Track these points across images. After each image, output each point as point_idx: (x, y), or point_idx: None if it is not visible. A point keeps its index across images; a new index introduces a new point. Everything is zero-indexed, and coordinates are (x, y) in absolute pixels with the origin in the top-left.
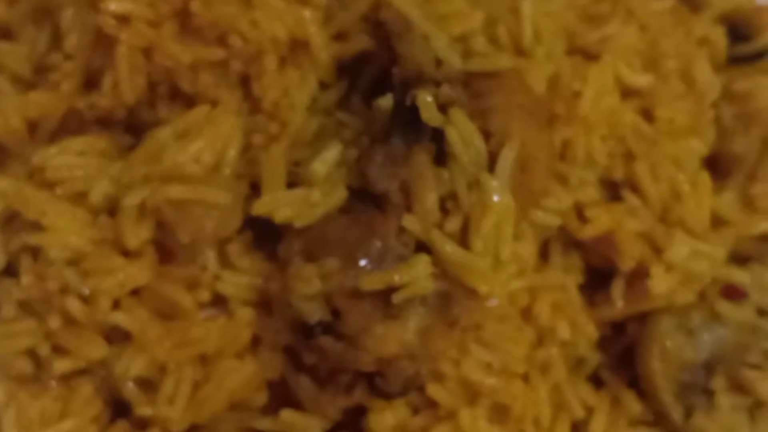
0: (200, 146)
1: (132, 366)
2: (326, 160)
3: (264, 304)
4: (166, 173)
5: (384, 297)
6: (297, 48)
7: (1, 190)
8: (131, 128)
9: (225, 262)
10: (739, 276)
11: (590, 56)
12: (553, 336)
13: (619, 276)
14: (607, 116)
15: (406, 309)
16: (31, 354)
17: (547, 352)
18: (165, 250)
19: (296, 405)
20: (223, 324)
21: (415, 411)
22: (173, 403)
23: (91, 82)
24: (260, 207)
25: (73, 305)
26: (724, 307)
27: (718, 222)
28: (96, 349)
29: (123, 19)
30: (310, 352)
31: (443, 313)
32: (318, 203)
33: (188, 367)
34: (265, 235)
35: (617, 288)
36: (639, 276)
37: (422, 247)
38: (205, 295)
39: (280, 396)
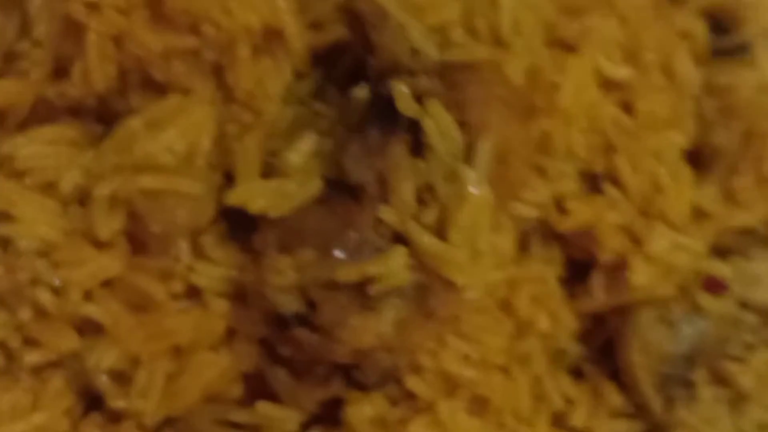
0: (172, 136)
1: (104, 358)
2: (301, 151)
3: (239, 295)
4: (138, 163)
5: (360, 289)
6: (271, 37)
7: None
8: (102, 117)
9: (199, 253)
10: (721, 269)
11: (570, 48)
12: (532, 328)
13: (599, 268)
14: (587, 109)
15: (383, 301)
16: (2, 346)
17: (527, 344)
18: (137, 241)
19: (272, 397)
20: (197, 316)
21: (393, 403)
22: (147, 396)
23: (60, 71)
24: (234, 197)
25: (44, 297)
26: (705, 299)
27: (699, 215)
28: (67, 341)
29: (93, 7)
30: (285, 344)
31: (420, 305)
32: (293, 194)
33: (162, 359)
34: (239, 225)
35: (597, 280)
36: (619, 268)
37: (399, 238)
38: (178, 287)
39: (256, 388)
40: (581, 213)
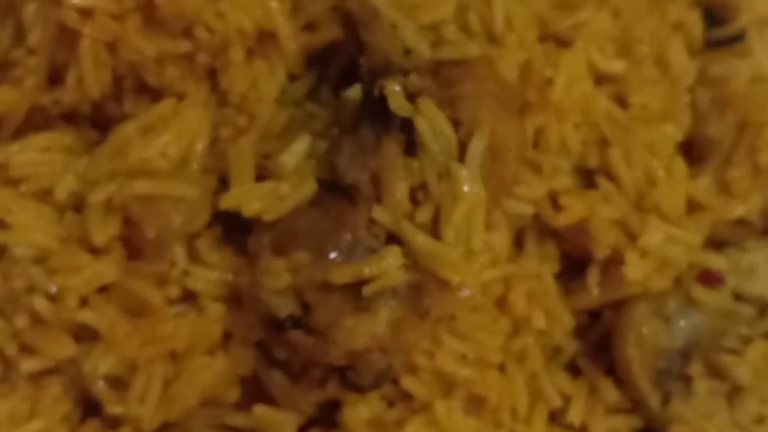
0: (167, 140)
1: (101, 364)
2: (295, 153)
3: (234, 299)
4: (133, 168)
5: (354, 290)
6: (264, 39)
7: None
8: (97, 123)
9: (194, 257)
10: (716, 261)
11: (563, 43)
12: (528, 325)
13: (594, 264)
14: (580, 103)
15: (377, 301)
16: None
17: (523, 342)
18: (133, 247)
19: (269, 400)
20: (193, 320)
21: (390, 404)
22: (144, 401)
23: (55, 78)
24: (229, 201)
25: (40, 304)
26: (700, 292)
27: (694, 207)
28: (64, 348)
29: (86, 13)
30: (281, 347)
31: (415, 305)
32: (287, 196)
33: (159, 364)
34: (234, 229)
35: (593, 276)
36: (614, 263)
37: (393, 238)
38: (174, 291)
39: (253, 391)
40: (575, 208)
